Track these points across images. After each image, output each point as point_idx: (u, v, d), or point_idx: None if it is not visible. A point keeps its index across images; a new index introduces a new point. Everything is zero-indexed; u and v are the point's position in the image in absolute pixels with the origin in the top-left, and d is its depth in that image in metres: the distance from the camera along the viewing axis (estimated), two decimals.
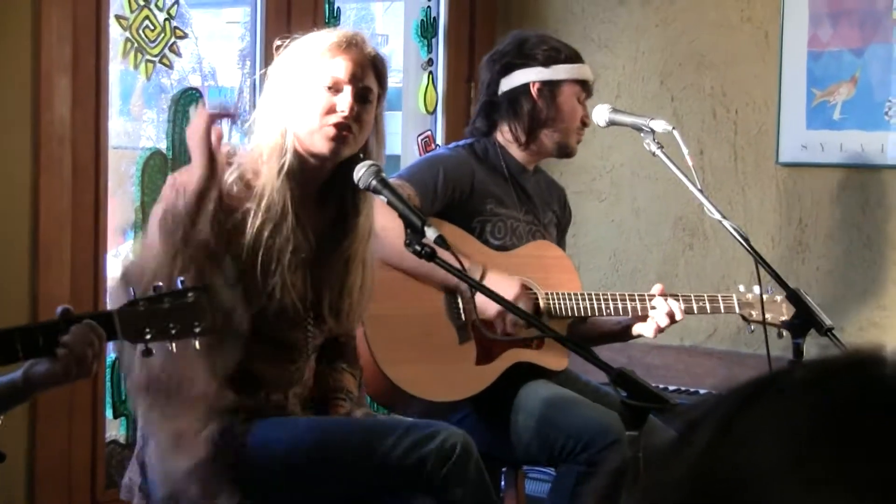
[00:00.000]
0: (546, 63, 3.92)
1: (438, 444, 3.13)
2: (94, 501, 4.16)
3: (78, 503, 4.13)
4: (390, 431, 3.18)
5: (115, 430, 4.33)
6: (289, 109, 3.17)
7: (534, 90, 3.92)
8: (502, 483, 4.08)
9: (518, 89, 3.93)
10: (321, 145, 3.15)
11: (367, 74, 3.19)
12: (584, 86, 3.97)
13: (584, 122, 3.96)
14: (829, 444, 0.69)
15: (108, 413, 4.26)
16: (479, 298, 3.58)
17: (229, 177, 3.14)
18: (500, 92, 3.96)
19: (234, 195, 3.15)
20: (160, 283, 2.74)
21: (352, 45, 3.19)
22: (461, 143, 4.02)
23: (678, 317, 3.79)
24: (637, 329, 3.84)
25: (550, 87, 3.92)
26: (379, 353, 3.65)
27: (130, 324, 2.68)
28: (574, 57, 3.97)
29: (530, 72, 3.93)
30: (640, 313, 3.84)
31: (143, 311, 2.68)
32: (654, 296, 3.82)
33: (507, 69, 3.95)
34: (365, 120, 3.20)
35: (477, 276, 3.64)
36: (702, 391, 4.65)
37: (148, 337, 2.68)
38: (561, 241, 4.17)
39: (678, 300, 3.80)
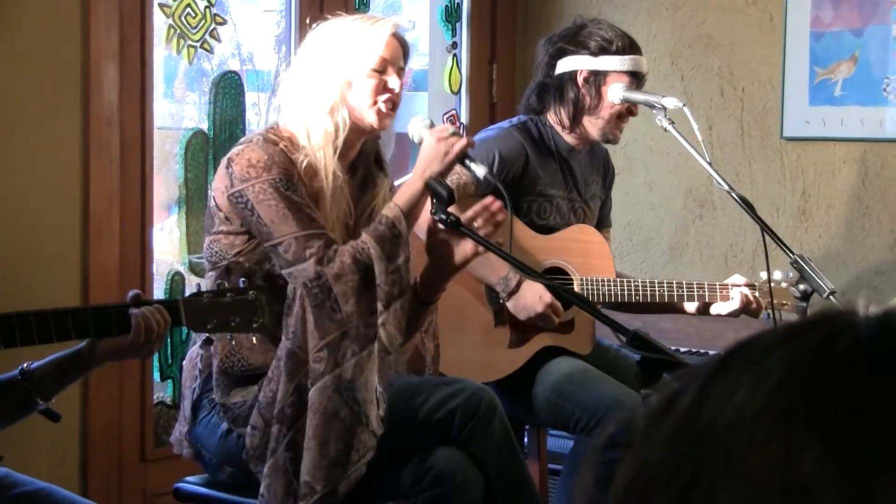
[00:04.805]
0: (596, 53, 3.83)
1: (464, 400, 3.19)
2: (143, 458, 4.23)
3: (128, 461, 4.20)
4: (418, 389, 3.24)
5: (162, 391, 4.39)
6: (338, 90, 3.24)
7: (580, 78, 3.86)
8: (525, 440, 4.12)
9: (566, 75, 3.88)
10: (373, 121, 3.25)
11: (402, 56, 3.33)
12: (634, 76, 3.86)
13: (631, 112, 3.91)
14: (797, 389, 0.71)
15: (156, 375, 4.32)
16: (512, 303, 3.70)
17: (303, 163, 3.20)
18: (552, 74, 3.92)
19: (306, 181, 3.21)
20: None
21: (392, 30, 3.30)
22: (514, 121, 3.97)
23: (750, 298, 3.79)
24: (714, 309, 3.88)
25: (597, 76, 3.85)
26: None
27: (195, 312, 2.74)
28: (626, 48, 3.85)
29: (579, 59, 3.85)
30: (667, 300, 3.86)
31: (207, 303, 2.75)
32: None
33: (560, 53, 3.89)
34: (401, 95, 3.34)
35: (512, 286, 3.70)
36: (711, 352, 4.46)
37: (209, 327, 2.76)
38: (606, 202, 4.17)
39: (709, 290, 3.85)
